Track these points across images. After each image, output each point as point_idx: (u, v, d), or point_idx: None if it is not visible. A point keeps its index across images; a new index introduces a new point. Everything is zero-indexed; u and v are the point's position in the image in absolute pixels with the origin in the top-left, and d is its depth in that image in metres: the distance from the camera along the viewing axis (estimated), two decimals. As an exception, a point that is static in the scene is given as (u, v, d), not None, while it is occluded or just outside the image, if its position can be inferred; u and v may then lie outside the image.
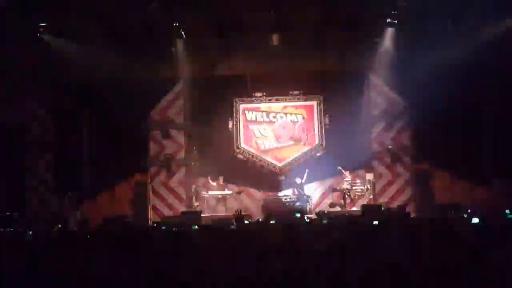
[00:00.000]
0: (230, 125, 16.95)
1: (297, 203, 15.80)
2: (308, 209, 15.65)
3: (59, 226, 11.89)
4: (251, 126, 17.22)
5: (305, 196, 16.06)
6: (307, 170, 16.25)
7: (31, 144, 16.46)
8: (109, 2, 13.54)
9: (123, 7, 13.77)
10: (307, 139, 17.04)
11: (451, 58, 14.22)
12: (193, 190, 16.55)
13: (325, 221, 9.36)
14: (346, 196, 16.14)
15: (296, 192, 16.25)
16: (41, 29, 13.87)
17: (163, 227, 10.09)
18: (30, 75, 15.46)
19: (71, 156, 16.16)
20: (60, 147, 15.97)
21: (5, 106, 15.71)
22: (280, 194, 16.72)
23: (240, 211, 10.58)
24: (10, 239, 9.04)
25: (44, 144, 16.36)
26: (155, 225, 14.47)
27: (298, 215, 11.30)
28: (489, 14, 13.53)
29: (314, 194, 16.71)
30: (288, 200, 16.15)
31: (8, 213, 14.77)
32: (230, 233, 6.91)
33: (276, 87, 17.05)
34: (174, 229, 9.20)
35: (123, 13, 13.88)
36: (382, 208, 14.60)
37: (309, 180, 16.50)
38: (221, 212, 16.12)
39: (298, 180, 16.23)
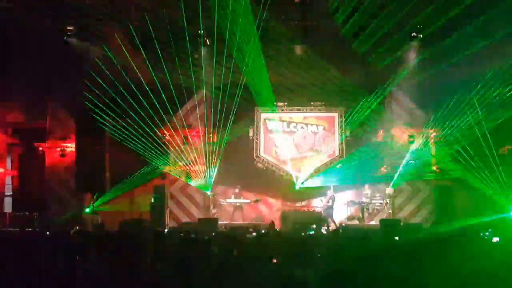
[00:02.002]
0: (251, 134, 16.98)
1: (322, 213, 15.66)
2: (330, 220, 15.56)
3: (77, 228, 11.98)
4: (271, 136, 17.21)
5: (332, 209, 15.88)
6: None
7: (52, 145, 16.65)
8: (135, 8, 13.70)
9: (148, 13, 13.92)
10: (327, 150, 16.96)
11: (475, 74, 14.08)
12: (210, 197, 16.55)
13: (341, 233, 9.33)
14: (365, 209, 16.00)
15: (326, 204, 15.98)
16: (69, 33, 14.05)
17: (181, 234, 10.14)
18: (54, 77, 15.64)
19: (92, 158, 16.27)
20: (80, 149, 16.08)
21: (28, 106, 15.93)
22: (298, 204, 16.64)
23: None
24: (29, 239, 9.16)
25: (65, 146, 16.54)
26: (170, 230, 14.54)
27: (314, 226, 11.31)
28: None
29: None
30: (306, 210, 16.04)
31: (27, 213, 14.95)
32: (248, 242, 6.91)
33: (298, 97, 17.03)
34: (192, 236, 9.28)
35: (148, 19, 14.00)
36: (401, 223, 14.46)
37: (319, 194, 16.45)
38: (238, 220, 16.13)
39: (329, 193, 16.01)
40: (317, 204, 16.28)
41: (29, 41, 14.16)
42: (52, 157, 16.68)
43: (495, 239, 8.00)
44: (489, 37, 13.40)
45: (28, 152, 16.72)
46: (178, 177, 16.68)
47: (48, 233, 10.30)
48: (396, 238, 7.06)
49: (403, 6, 13.40)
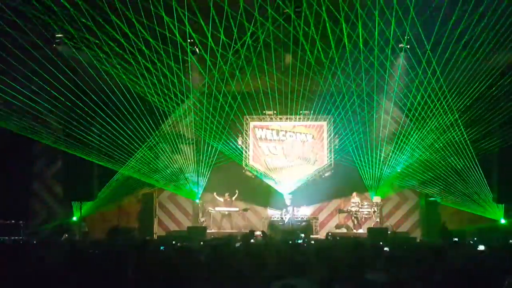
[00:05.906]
0: (240, 142, 17.00)
1: (303, 223, 15.70)
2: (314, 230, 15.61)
3: (66, 235, 11.93)
4: (260, 144, 17.25)
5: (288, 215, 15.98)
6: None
7: (40, 152, 16.55)
8: (123, 14, 13.68)
9: (136, 19, 13.91)
10: (316, 159, 17.03)
11: (461, 84, 14.26)
12: (199, 205, 16.52)
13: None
14: (353, 218, 16.08)
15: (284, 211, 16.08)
16: (57, 40, 14.01)
17: (173, 241, 10.16)
18: (43, 83, 15.57)
19: (80, 165, 16.16)
20: (68, 156, 15.98)
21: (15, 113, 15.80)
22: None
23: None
24: (15, 247, 9.08)
25: (53, 153, 16.44)
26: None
27: (303, 235, 11.33)
28: (500, 43, 13.57)
29: (320, 215, 16.67)
30: (294, 220, 16.06)
31: (13, 221, 14.82)
32: (237, 251, 6.91)
33: (287, 106, 17.07)
34: (178, 244, 9.28)
35: (137, 25, 14.00)
36: (388, 232, 14.56)
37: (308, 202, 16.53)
38: (227, 228, 16.12)
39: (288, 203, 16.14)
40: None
41: (15, 47, 14.08)
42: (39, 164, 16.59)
43: (481, 247, 8.09)
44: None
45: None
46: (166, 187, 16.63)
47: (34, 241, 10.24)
48: (386, 248, 7.11)
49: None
